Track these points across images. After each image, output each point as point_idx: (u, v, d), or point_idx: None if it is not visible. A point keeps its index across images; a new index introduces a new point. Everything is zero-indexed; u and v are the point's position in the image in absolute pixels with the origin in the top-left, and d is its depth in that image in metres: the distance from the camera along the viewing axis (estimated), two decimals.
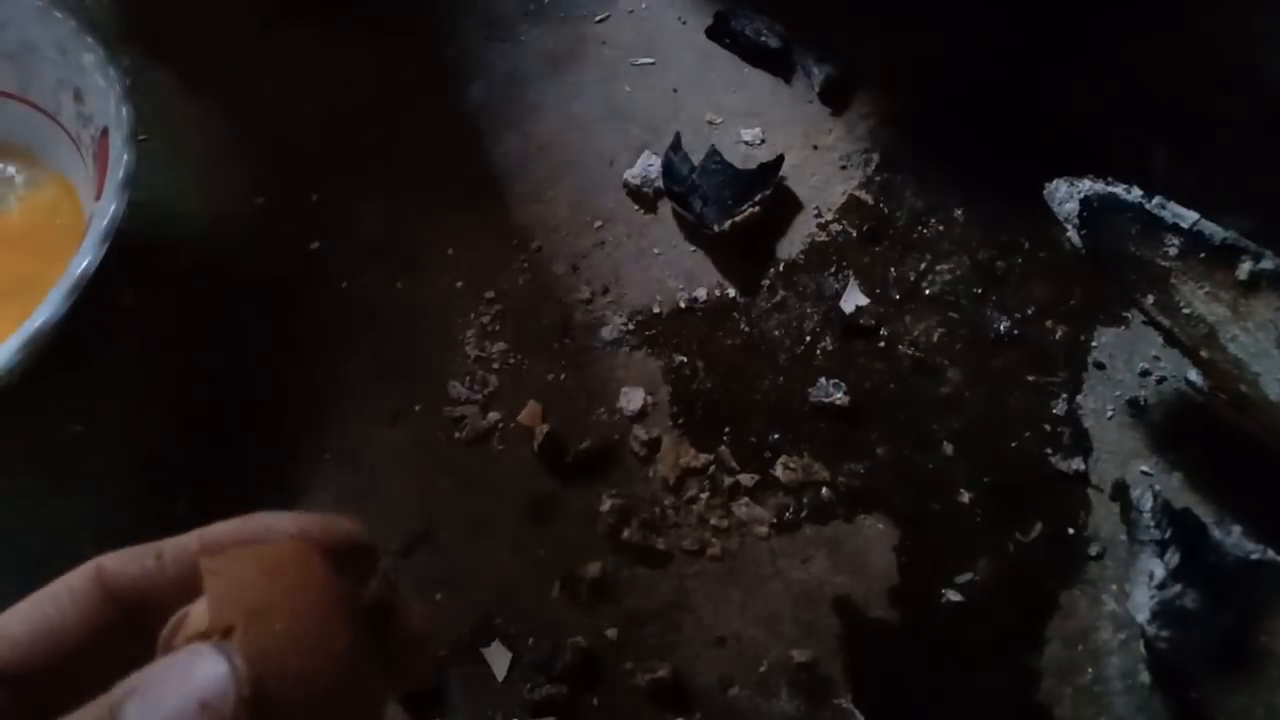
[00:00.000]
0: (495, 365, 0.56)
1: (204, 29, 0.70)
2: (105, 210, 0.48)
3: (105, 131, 0.52)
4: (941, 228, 0.60)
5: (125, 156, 0.50)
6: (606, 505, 0.51)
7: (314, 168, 0.63)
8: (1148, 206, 0.48)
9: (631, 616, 0.49)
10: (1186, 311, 0.47)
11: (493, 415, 0.54)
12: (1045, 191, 0.50)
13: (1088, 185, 0.49)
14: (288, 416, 0.55)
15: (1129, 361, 0.55)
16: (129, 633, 0.20)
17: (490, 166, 0.63)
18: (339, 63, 0.67)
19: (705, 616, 0.49)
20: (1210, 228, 0.48)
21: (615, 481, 0.52)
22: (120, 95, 0.52)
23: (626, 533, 0.50)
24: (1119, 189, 0.49)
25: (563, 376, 0.55)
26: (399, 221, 0.61)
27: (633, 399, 0.54)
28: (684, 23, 0.69)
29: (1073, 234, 0.49)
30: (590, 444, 0.52)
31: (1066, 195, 0.49)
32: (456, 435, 0.53)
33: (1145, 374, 0.54)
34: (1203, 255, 0.47)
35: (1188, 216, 0.48)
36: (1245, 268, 0.47)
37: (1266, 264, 0.47)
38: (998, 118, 0.63)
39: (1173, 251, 0.48)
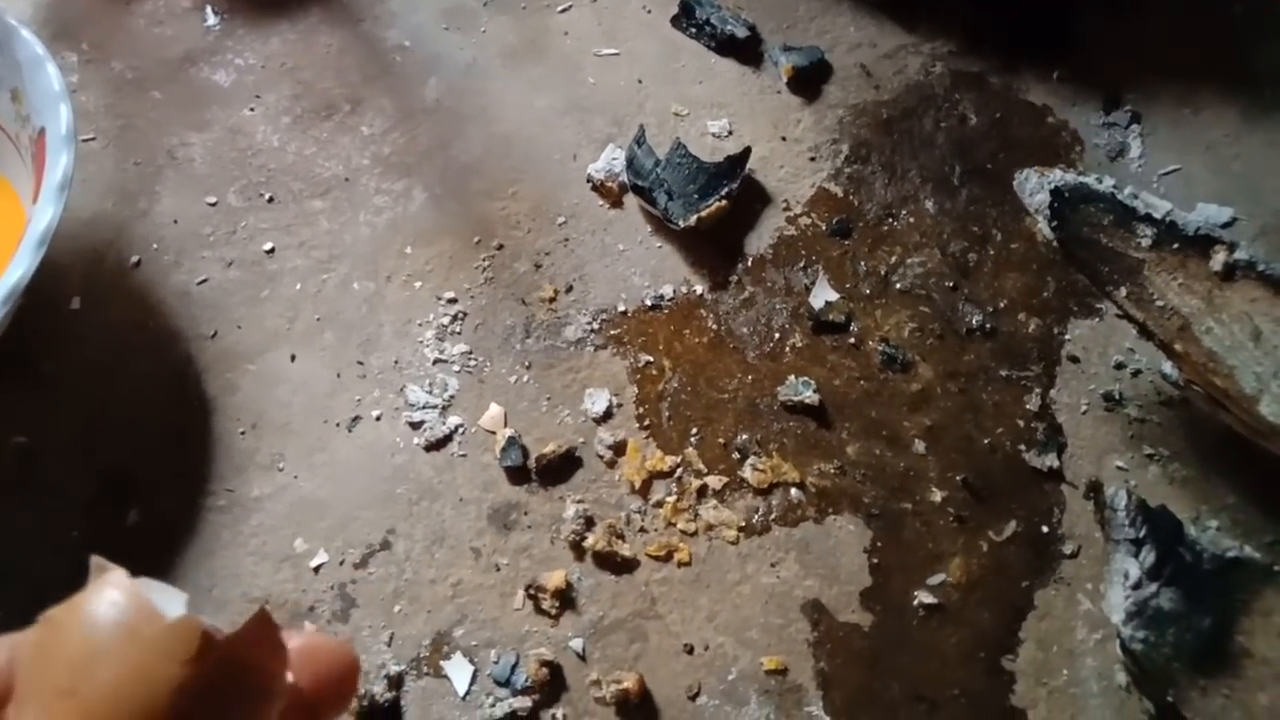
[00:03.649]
0: (455, 368, 0.54)
1: (153, 23, 0.67)
2: (41, 215, 0.46)
3: (42, 132, 0.50)
4: (912, 220, 0.58)
5: (63, 158, 0.48)
6: (570, 511, 0.49)
7: (265, 168, 0.61)
8: (1120, 197, 0.47)
9: (597, 626, 0.47)
10: (1160, 304, 0.46)
11: (453, 419, 0.52)
12: (1015, 182, 0.49)
13: (1059, 175, 0.48)
14: (241, 424, 0.53)
15: (1103, 354, 0.53)
16: None
17: (449, 162, 0.61)
18: (292, 57, 0.65)
19: (673, 624, 0.47)
20: (1184, 218, 0.47)
21: (579, 486, 0.51)
22: (58, 94, 0.50)
23: (591, 539, 0.48)
24: (1090, 179, 0.48)
25: (525, 379, 0.54)
26: (355, 221, 0.59)
27: (597, 401, 0.52)
28: (649, 12, 0.67)
29: (1044, 225, 0.48)
30: (554, 448, 0.50)
31: (1037, 186, 0.48)
32: (415, 441, 0.52)
33: (1120, 367, 0.53)
34: (1176, 246, 0.46)
35: (1160, 206, 0.47)
36: (1219, 258, 0.46)
37: (1241, 254, 0.46)
38: (971, 106, 0.62)
39: (1145, 242, 0.46)
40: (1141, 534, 0.44)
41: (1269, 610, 0.43)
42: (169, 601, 0.19)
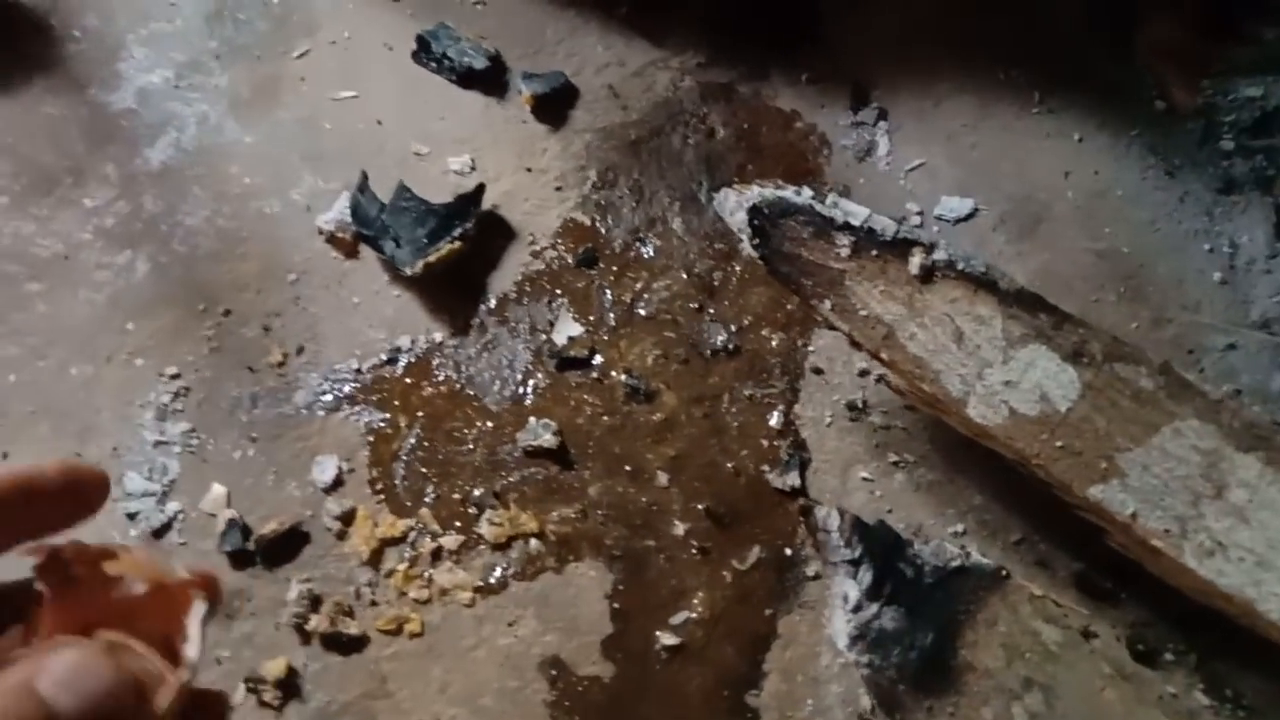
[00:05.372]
0: (176, 449, 0.51)
1: None
2: None
3: None
4: (659, 242, 0.57)
5: None
6: (294, 593, 0.47)
7: None
8: (819, 208, 0.46)
9: (323, 713, 0.45)
10: (864, 313, 0.45)
11: (172, 505, 0.49)
12: (715, 203, 0.47)
13: (756, 192, 0.46)
14: None
15: (847, 363, 0.52)
16: None
17: (175, 227, 0.58)
18: (12, 132, 0.62)
19: (403, 701, 0.45)
20: (882, 223, 0.46)
21: (307, 564, 0.48)
22: None
23: (315, 621, 0.46)
24: (788, 192, 0.46)
25: (250, 452, 0.51)
26: (74, 300, 0.56)
27: (326, 469, 0.50)
28: (390, 49, 0.64)
29: (746, 244, 0.46)
30: (275, 526, 0.48)
31: (736, 205, 0.46)
32: (132, 533, 0.49)
33: (864, 374, 0.52)
34: (875, 252, 0.45)
35: (859, 213, 0.46)
36: (916, 261, 0.45)
37: (939, 255, 0.45)
38: (720, 119, 0.61)
39: (845, 252, 0.45)
40: (858, 554, 0.43)
41: (993, 619, 0.42)
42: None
